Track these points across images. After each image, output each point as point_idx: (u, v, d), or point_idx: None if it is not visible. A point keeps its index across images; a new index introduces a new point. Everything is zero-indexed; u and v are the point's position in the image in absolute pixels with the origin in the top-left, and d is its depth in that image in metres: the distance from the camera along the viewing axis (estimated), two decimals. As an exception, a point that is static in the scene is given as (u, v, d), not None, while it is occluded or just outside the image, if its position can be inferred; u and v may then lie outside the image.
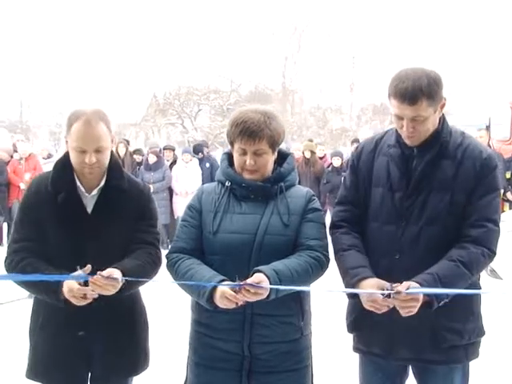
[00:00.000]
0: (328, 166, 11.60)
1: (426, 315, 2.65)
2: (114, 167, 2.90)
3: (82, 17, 46.99)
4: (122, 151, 11.74)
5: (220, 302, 2.57)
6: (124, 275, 2.66)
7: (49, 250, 2.81)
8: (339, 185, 10.68)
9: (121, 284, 2.66)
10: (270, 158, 2.81)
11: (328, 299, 4.63)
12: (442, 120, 2.78)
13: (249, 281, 2.53)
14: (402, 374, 3.00)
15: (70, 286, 2.60)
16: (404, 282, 2.55)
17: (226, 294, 2.54)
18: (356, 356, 3.08)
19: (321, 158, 12.36)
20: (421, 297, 2.54)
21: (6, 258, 2.83)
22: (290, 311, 2.78)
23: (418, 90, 2.58)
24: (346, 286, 2.76)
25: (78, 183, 2.84)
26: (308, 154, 11.76)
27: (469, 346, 2.83)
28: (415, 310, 2.56)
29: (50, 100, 39.80)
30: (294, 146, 12.18)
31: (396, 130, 2.82)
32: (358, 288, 2.67)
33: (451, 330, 2.76)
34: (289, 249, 2.75)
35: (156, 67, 44.64)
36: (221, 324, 2.75)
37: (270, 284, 2.54)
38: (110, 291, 2.63)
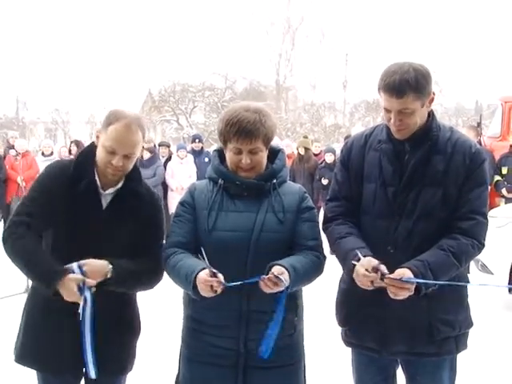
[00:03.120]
0: (321, 163, 11.53)
1: (419, 308, 2.73)
2: (134, 172, 2.90)
3: (78, 14, 46.90)
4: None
5: (201, 290, 2.57)
6: (115, 270, 2.70)
7: (50, 233, 2.81)
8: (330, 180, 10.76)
9: (109, 275, 2.69)
10: (265, 155, 2.82)
11: (319, 294, 4.64)
12: (432, 115, 2.82)
13: (273, 271, 2.54)
14: (394, 366, 3.04)
15: (70, 279, 2.62)
16: (398, 270, 2.60)
17: (201, 280, 2.54)
18: (347, 350, 3.08)
19: (316, 155, 12.23)
20: (413, 286, 2.59)
21: (7, 229, 2.76)
22: (286, 307, 2.73)
23: (404, 84, 2.63)
24: (346, 269, 2.79)
25: (96, 177, 2.83)
26: (302, 151, 11.71)
27: (459, 337, 2.88)
28: (405, 296, 2.60)
29: (46, 97, 39.78)
30: (284, 143, 12.14)
31: (386, 126, 2.85)
32: (356, 268, 2.67)
33: (444, 322, 2.81)
34: (284, 245, 2.75)
35: (151, 64, 44.75)
36: (216, 320, 2.75)
37: (290, 277, 2.57)
38: (96, 277, 2.66)
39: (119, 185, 2.86)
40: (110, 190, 2.85)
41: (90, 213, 2.79)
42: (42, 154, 13.20)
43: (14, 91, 41.81)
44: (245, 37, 41.72)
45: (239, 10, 47.26)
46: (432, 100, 2.76)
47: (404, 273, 2.59)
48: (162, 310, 6.37)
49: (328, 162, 11.21)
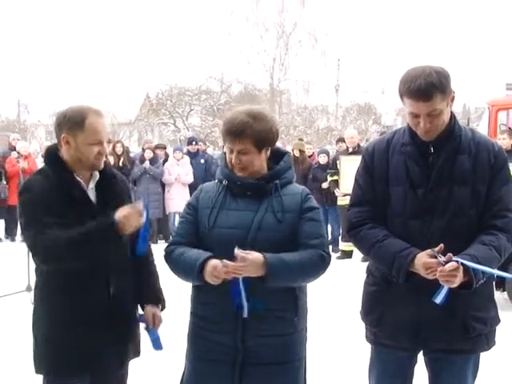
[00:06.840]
0: (315, 164, 11.79)
1: (453, 305, 2.75)
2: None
3: (79, 18, 47.15)
4: (119, 150, 12.25)
5: (209, 277, 2.66)
6: None
7: None
8: (324, 181, 11.07)
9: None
10: (257, 157, 2.84)
11: (324, 295, 4.68)
12: (453, 117, 2.86)
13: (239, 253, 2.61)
14: (414, 365, 3.09)
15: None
16: (449, 263, 2.61)
17: (217, 268, 2.63)
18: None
19: (308, 157, 12.43)
20: (461, 274, 2.62)
21: (42, 241, 2.71)
22: (284, 306, 2.82)
23: (431, 86, 2.66)
24: (398, 271, 2.78)
25: (78, 178, 2.87)
26: (297, 153, 11.92)
27: (489, 334, 2.92)
28: (455, 284, 2.63)
29: (47, 100, 39.89)
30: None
31: (408, 129, 2.89)
32: (413, 265, 2.73)
33: (477, 319, 2.85)
34: (283, 245, 2.76)
35: (149, 69, 44.87)
36: (215, 316, 2.81)
37: (269, 263, 2.64)
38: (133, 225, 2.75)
39: (96, 176, 2.96)
40: (91, 185, 2.94)
41: (89, 215, 2.81)
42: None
43: (15, 94, 41.99)
44: (240, 42, 42.06)
45: (234, 16, 47.55)
46: (453, 98, 2.81)
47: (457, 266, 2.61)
48: (169, 308, 6.49)
49: (321, 162, 11.53)
